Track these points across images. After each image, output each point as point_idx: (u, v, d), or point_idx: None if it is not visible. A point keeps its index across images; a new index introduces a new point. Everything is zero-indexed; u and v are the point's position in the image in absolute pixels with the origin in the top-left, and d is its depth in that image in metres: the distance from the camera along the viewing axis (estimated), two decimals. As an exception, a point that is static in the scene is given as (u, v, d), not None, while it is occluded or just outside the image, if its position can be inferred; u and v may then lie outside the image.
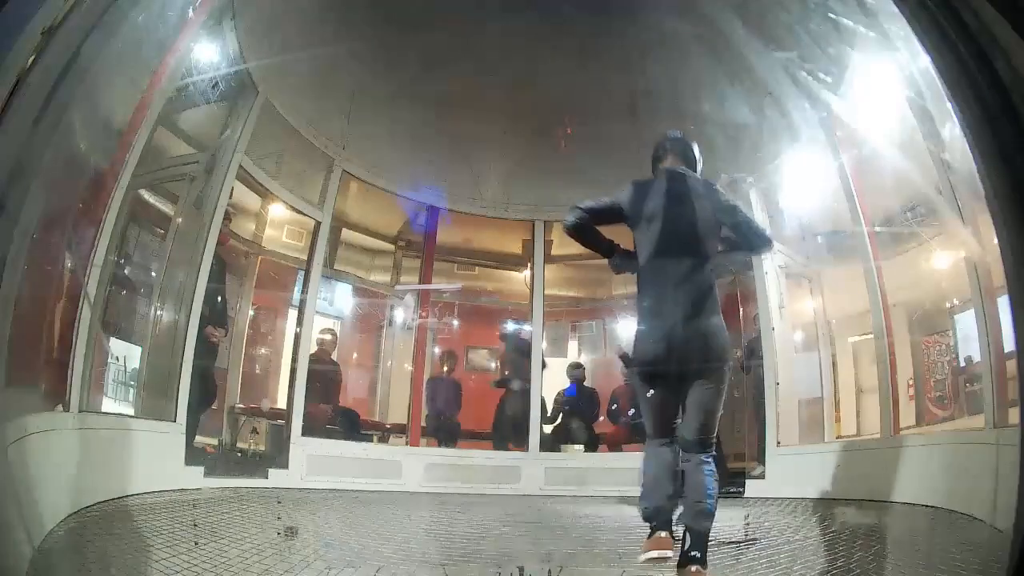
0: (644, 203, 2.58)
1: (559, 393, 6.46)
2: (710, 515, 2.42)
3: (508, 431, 6.10)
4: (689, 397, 2.49)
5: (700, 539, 2.39)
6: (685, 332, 2.44)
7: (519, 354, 6.35)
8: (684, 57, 4.93)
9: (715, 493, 2.44)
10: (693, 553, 2.37)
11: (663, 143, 2.81)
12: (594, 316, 7.49)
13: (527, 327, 6.50)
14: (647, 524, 2.58)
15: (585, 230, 2.61)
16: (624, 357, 2.70)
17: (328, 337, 5.89)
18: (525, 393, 6.06)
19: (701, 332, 2.45)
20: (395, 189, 6.21)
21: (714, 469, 2.48)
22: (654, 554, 2.44)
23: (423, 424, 6.11)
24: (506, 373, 6.54)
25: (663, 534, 2.50)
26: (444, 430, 6.15)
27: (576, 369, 6.61)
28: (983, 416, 3.34)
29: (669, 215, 2.53)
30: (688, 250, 2.50)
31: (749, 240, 2.71)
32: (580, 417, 6.27)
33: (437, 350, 6.77)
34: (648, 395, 2.60)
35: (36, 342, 2.75)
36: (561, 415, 6.35)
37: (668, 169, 2.71)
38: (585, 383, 6.55)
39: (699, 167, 2.79)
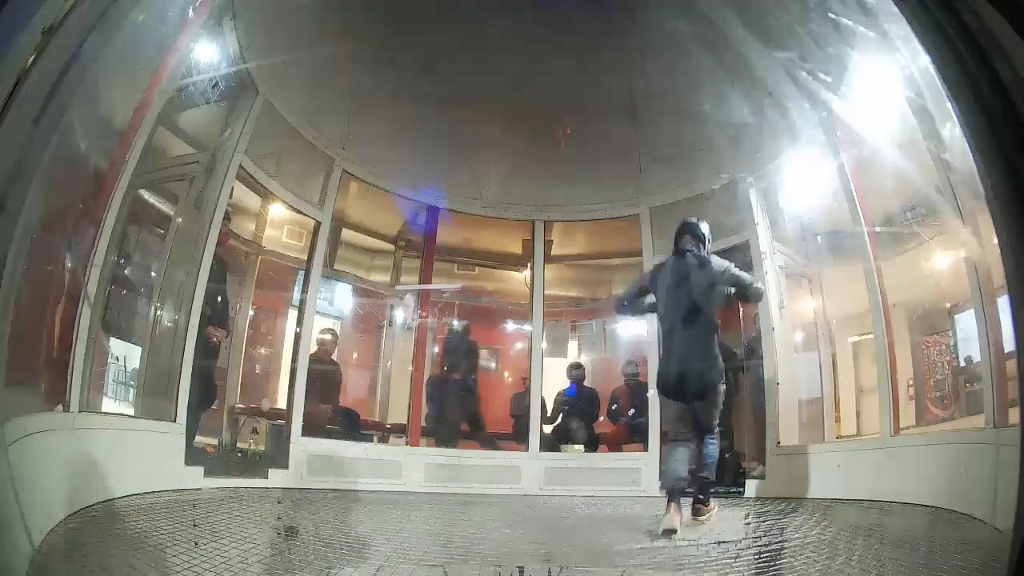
0: (660, 278, 3.77)
1: (559, 393, 6.46)
2: (710, 468, 3.63)
3: (442, 427, 6.08)
4: (696, 407, 3.64)
5: (704, 487, 3.63)
6: (687, 367, 3.59)
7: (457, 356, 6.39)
8: (684, 57, 4.93)
9: (715, 457, 3.66)
10: (700, 497, 3.63)
11: (681, 227, 3.86)
12: (594, 316, 7.49)
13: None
14: (666, 497, 3.51)
15: (627, 310, 4.09)
16: None
17: (328, 337, 5.89)
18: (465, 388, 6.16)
19: (698, 367, 3.57)
20: (395, 189, 6.21)
21: (716, 442, 3.68)
22: (665, 525, 3.30)
23: (423, 424, 6.11)
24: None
25: (674, 505, 3.40)
26: (447, 429, 6.14)
27: (576, 369, 6.60)
28: (983, 416, 3.33)
29: (676, 285, 3.66)
30: (689, 309, 3.58)
31: (744, 295, 3.82)
32: (580, 417, 6.26)
33: (437, 350, 6.76)
34: (667, 406, 3.85)
35: (36, 342, 2.76)
36: (561, 415, 6.35)
37: (680, 248, 3.78)
38: (585, 383, 6.54)
39: (708, 240, 3.82)
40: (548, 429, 6.20)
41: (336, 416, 5.74)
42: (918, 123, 3.51)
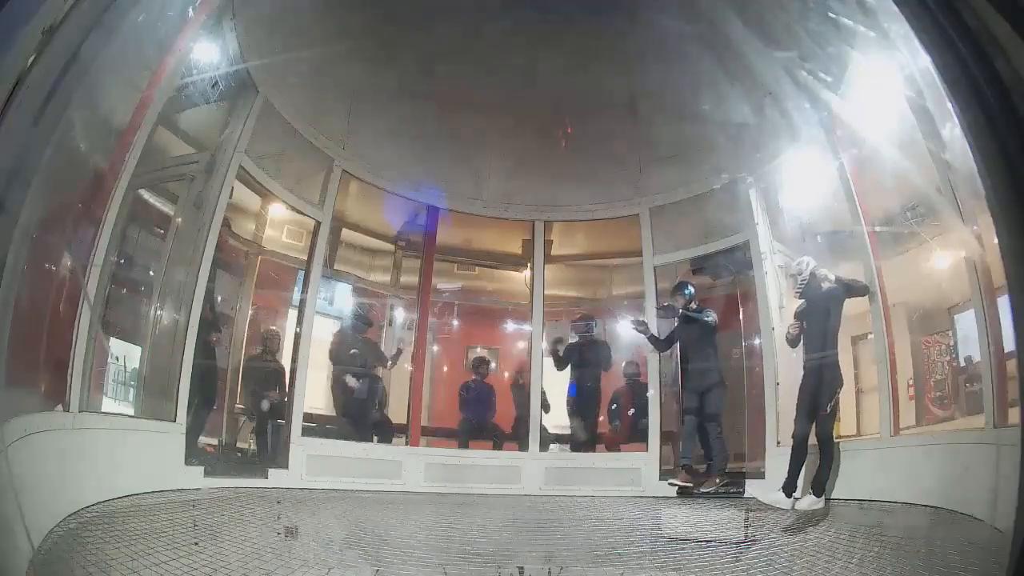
0: (677, 332, 5.65)
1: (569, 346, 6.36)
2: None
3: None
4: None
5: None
6: (700, 386, 5.27)
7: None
8: (684, 57, 4.93)
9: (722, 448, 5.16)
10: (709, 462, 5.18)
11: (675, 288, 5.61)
12: (594, 316, 7.48)
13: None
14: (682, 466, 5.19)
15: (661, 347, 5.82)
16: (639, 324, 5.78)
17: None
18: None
19: (706, 384, 5.22)
20: (395, 189, 6.21)
21: (719, 435, 5.14)
22: (678, 482, 5.14)
23: (456, 428, 6.17)
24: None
25: (684, 472, 5.10)
26: (485, 432, 6.14)
27: (583, 321, 6.39)
28: (983, 416, 3.33)
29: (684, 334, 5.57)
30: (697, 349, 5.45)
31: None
32: (581, 417, 6.24)
33: (471, 356, 6.82)
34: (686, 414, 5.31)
35: (36, 342, 2.75)
36: (570, 364, 6.25)
37: (681, 309, 5.49)
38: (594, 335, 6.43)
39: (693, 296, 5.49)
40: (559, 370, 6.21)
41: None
42: (918, 123, 3.50)
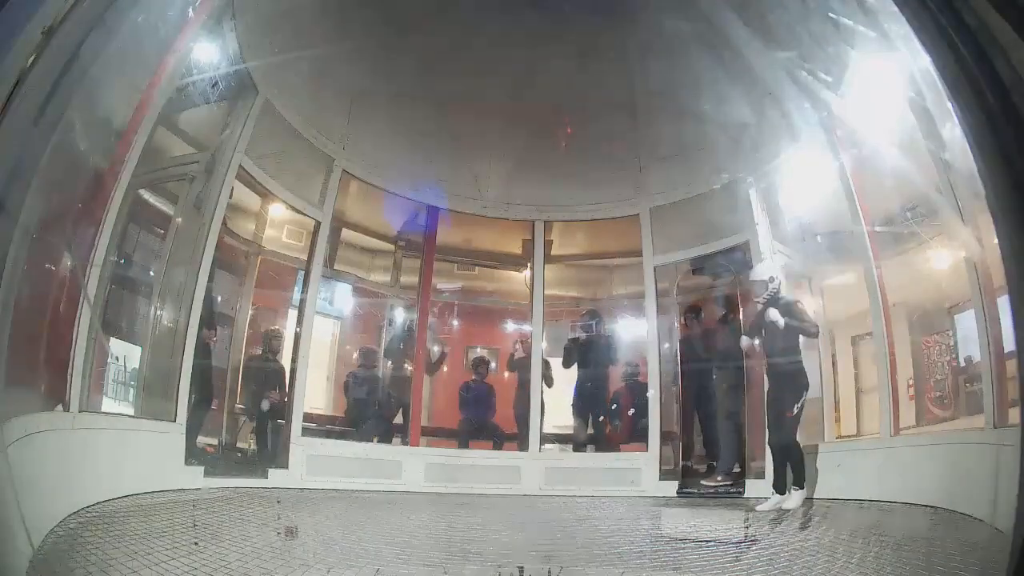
0: None
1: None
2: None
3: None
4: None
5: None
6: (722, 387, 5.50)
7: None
8: (684, 57, 4.93)
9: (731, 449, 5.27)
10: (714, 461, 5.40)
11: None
12: (599, 312, 7.47)
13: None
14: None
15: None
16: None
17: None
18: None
19: (728, 384, 5.43)
20: (395, 189, 6.20)
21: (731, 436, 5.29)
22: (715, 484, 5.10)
23: (456, 428, 6.17)
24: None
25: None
26: (485, 432, 6.14)
27: (589, 316, 6.47)
28: (983, 416, 3.33)
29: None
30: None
31: None
32: (583, 415, 6.24)
33: (470, 356, 6.85)
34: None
35: (36, 342, 2.75)
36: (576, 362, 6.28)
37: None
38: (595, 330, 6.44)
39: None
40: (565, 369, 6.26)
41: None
42: (918, 123, 3.50)
